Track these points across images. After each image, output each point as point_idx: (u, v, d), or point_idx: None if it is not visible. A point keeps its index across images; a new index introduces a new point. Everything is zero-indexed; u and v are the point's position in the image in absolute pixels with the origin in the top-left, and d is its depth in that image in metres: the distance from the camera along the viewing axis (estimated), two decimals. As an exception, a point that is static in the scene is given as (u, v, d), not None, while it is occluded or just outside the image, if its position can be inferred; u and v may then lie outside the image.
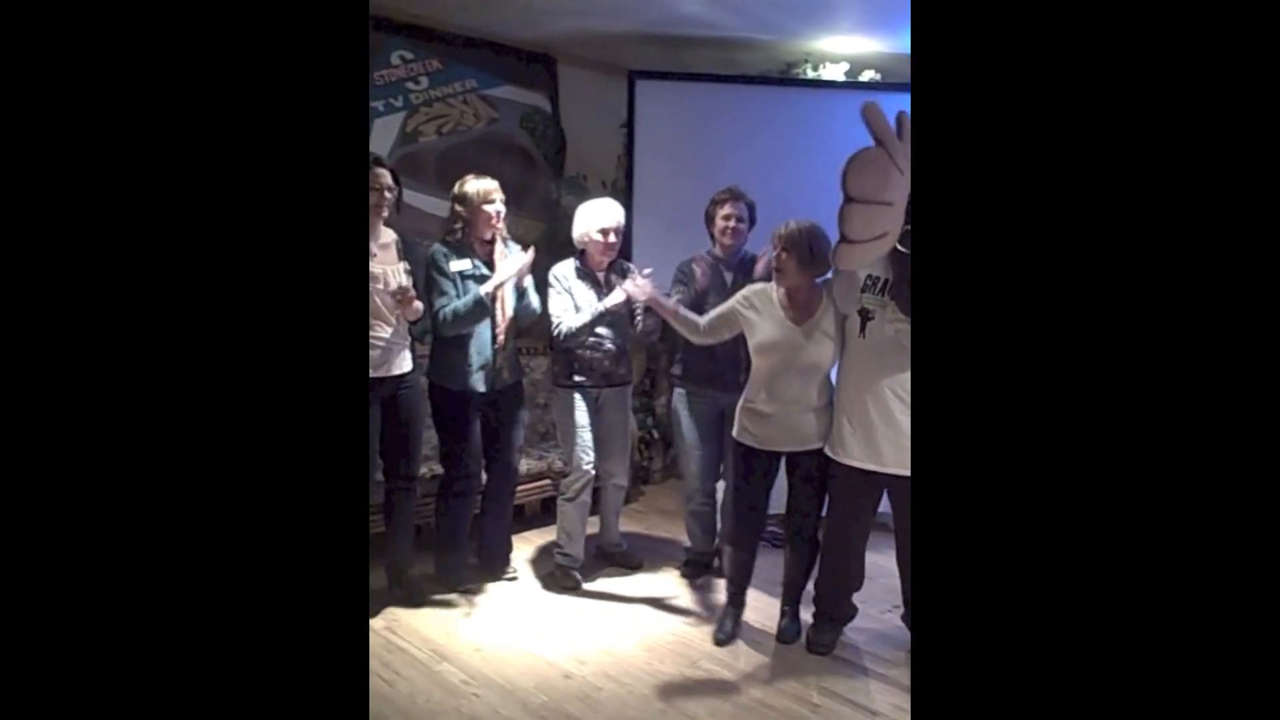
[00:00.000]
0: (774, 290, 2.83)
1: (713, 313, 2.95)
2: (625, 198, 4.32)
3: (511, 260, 3.17)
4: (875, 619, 3.20)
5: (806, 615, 3.11)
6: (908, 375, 2.60)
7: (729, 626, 3.08)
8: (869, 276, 2.69)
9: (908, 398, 2.61)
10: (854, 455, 2.71)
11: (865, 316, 2.69)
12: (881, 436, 2.65)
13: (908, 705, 2.66)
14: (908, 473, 2.55)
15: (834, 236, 2.52)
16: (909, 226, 2.45)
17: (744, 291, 2.91)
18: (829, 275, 2.81)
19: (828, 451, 2.81)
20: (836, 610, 3.02)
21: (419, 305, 3.01)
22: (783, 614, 3.11)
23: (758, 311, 2.82)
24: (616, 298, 3.19)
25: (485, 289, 3.06)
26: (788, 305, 2.79)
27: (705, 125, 4.38)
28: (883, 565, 3.20)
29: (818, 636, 3.00)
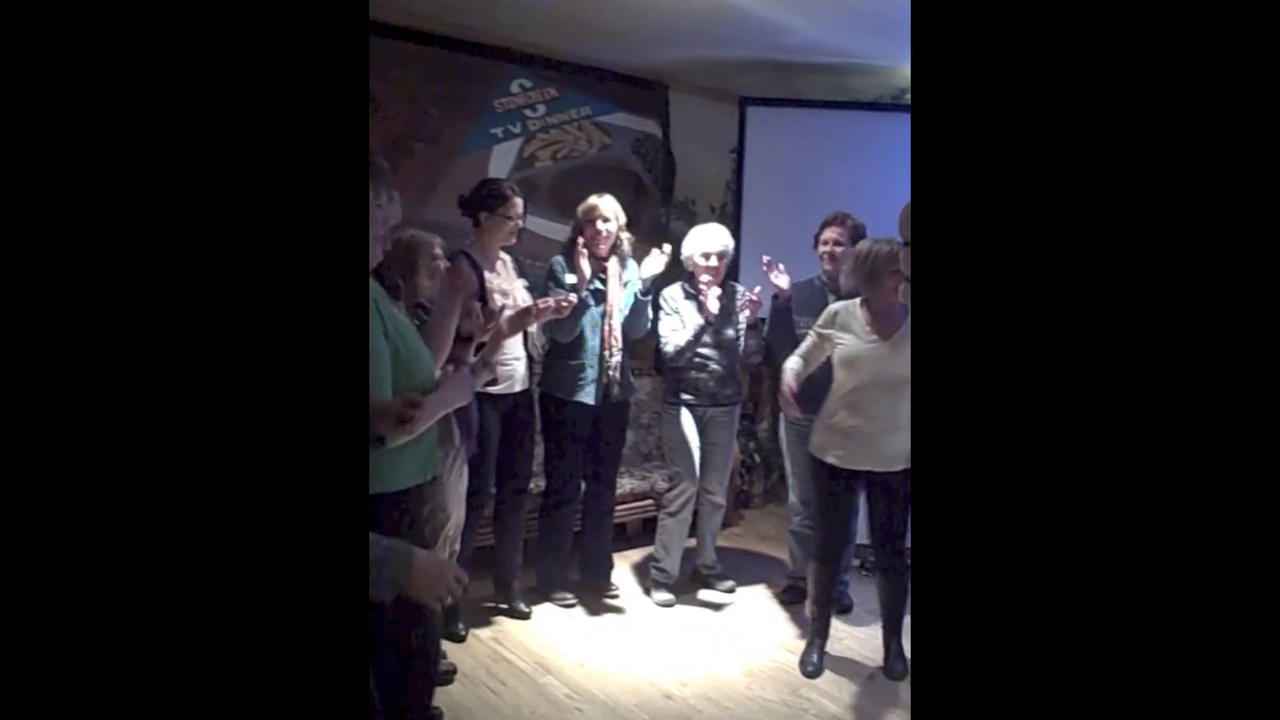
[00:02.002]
0: (857, 307, 2.84)
1: (803, 349, 2.92)
2: (734, 223, 4.37)
3: (647, 263, 3.27)
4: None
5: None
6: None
7: (815, 658, 3.02)
8: None
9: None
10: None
11: None
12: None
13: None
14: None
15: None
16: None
17: (827, 310, 2.92)
18: None
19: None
20: None
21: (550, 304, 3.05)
22: (887, 650, 3.03)
23: (841, 328, 2.83)
24: (713, 306, 3.30)
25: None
26: (872, 320, 2.80)
27: (815, 151, 4.40)
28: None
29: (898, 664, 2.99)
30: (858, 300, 2.86)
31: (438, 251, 2.68)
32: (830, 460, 2.86)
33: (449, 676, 2.82)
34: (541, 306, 2.77)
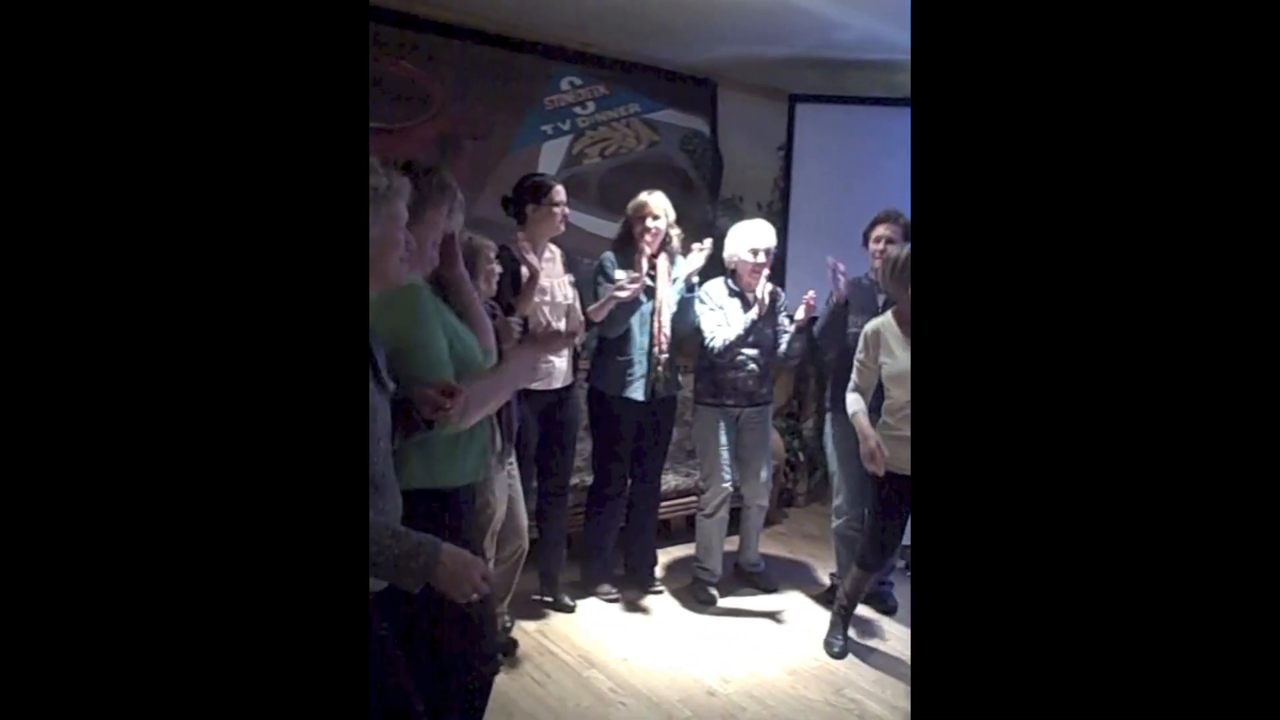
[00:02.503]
0: (890, 319, 2.88)
1: (855, 383, 2.95)
2: (780, 220, 4.35)
3: (688, 260, 3.30)
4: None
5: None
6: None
7: (841, 639, 3.14)
8: None
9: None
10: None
11: None
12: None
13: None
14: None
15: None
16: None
17: (863, 334, 2.95)
18: None
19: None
20: None
21: (580, 319, 3.17)
22: None
23: (883, 347, 2.86)
24: (765, 299, 3.29)
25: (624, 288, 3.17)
26: (905, 329, 2.84)
27: (863, 148, 4.37)
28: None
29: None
30: (889, 313, 2.92)
31: (493, 255, 2.70)
32: (891, 470, 2.85)
33: (495, 666, 2.86)
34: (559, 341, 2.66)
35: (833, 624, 3.17)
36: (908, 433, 2.79)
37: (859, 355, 2.94)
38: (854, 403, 2.90)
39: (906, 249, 2.83)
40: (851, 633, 3.20)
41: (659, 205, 3.27)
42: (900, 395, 2.83)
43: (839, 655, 3.10)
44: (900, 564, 3.71)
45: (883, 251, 3.28)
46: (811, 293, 3.27)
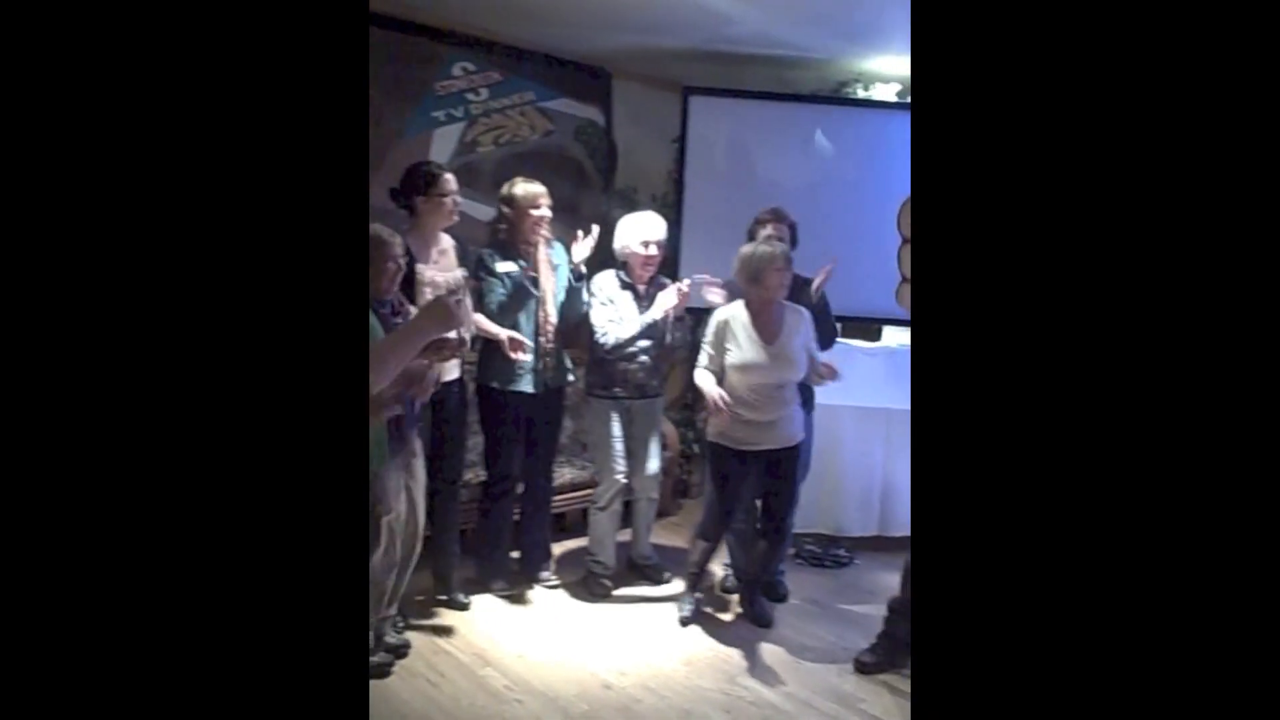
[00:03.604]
0: (742, 310, 3.01)
1: (704, 363, 3.07)
2: (674, 212, 4.36)
3: (667, 294, 3.29)
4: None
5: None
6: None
7: (691, 607, 3.31)
8: None
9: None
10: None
11: None
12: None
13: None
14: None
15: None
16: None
17: (712, 321, 3.07)
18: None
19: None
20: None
21: (469, 307, 3.07)
22: (751, 600, 3.37)
23: (730, 337, 2.99)
24: (669, 300, 3.27)
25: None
26: (754, 321, 2.99)
27: (757, 142, 4.42)
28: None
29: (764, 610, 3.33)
30: (740, 304, 3.04)
31: (399, 252, 2.58)
32: (726, 444, 3.07)
33: (385, 669, 2.79)
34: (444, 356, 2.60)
35: (686, 592, 3.36)
36: (747, 417, 2.98)
37: (706, 341, 3.08)
38: (705, 378, 3.03)
39: (751, 245, 3.02)
40: (745, 623, 3.26)
41: (544, 191, 3.22)
42: (739, 383, 2.98)
43: (684, 623, 3.26)
44: (791, 551, 3.79)
45: None
46: (680, 287, 3.26)
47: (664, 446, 4.41)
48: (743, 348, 2.98)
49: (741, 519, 3.28)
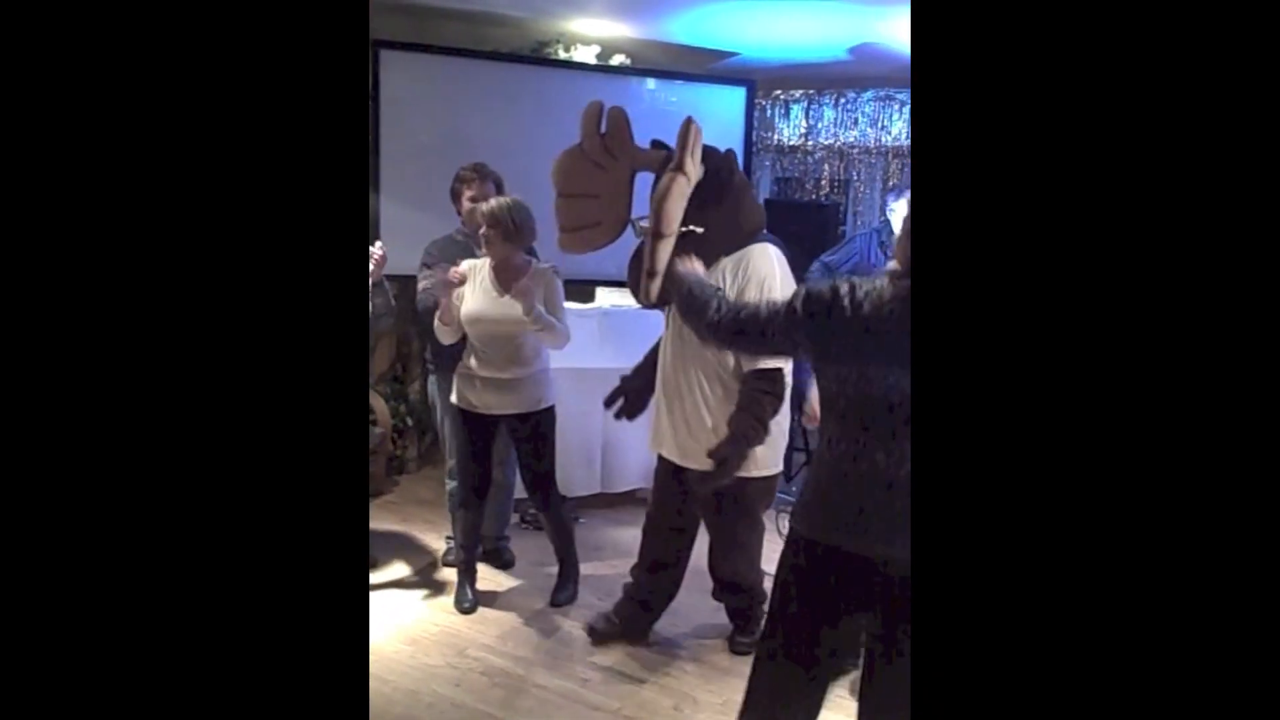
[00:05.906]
0: (484, 264, 2.94)
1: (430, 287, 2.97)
2: (372, 175, 4.11)
3: None
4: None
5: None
6: (719, 369, 2.55)
7: (470, 594, 3.13)
8: None
9: (715, 392, 2.56)
10: (663, 446, 2.71)
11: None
12: (680, 430, 2.63)
13: (675, 670, 2.74)
14: (697, 467, 2.51)
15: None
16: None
17: (458, 267, 2.94)
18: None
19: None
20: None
21: None
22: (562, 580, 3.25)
23: (468, 284, 2.90)
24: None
25: None
26: (494, 277, 2.91)
27: (454, 101, 4.26)
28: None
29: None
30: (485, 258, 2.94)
31: None
32: (465, 407, 2.98)
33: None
34: None
35: (459, 582, 3.15)
36: (482, 373, 2.91)
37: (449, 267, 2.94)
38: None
39: (496, 199, 2.88)
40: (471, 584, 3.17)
41: None
42: (472, 334, 2.90)
43: (469, 610, 3.09)
44: (514, 517, 3.73)
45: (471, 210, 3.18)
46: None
47: (373, 423, 4.19)
48: (477, 299, 2.90)
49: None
